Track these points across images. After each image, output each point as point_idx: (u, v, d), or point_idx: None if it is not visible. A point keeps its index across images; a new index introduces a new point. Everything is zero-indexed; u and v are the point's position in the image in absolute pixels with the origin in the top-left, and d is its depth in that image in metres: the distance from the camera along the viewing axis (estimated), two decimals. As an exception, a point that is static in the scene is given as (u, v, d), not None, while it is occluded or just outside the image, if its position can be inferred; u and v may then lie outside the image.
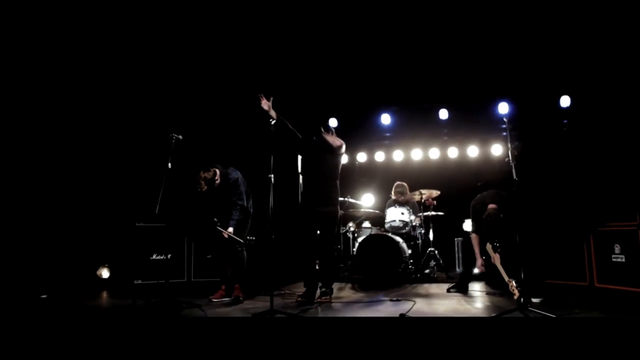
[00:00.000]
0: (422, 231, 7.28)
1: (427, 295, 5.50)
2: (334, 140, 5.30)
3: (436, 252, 7.20)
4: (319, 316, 3.96)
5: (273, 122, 4.27)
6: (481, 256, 5.42)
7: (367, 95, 9.14)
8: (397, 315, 4.05)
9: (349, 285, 6.50)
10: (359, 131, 9.70)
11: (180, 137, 4.99)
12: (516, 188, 4.20)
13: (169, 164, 4.81)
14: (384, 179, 8.61)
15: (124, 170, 7.27)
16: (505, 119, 4.31)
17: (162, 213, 4.57)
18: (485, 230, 5.32)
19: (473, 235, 5.56)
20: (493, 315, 3.98)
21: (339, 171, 5.35)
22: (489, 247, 5.17)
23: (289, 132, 5.24)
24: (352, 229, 7.56)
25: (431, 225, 7.38)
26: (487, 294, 5.51)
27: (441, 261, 7.12)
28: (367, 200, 8.39)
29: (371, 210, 7.53)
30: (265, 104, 5.10)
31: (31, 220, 6.61)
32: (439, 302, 5.01)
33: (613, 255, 5.47)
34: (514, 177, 4.20)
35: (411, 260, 7.04)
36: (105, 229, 7.03)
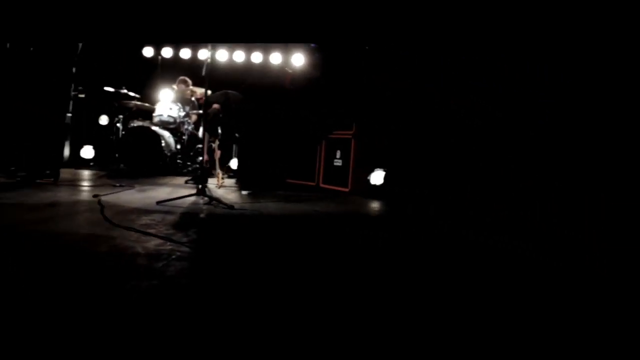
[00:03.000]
0: (191, 127, 7.49)
1: (162, 185, 5.81)
2: None
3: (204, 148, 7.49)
4: None
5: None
6: (207, 152, 5.80)
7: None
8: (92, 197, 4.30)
9: (107, 174, 6.62)
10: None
11: None
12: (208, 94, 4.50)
13: None
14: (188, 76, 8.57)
15: None
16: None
17: None
18: (210, 128, 5.68)
19: (204, 132, 5.89)
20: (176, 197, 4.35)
21: None
22: (215, 143, 5.54)
23: None
24: (141, 122, 7.49)
25: (202, 122, 7.60)
26: (219, 187, 5.93)
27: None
28: (165, 95, 8.36)
29: (145, 104, 7.54)
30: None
31: None
32: (161, 189, 5.34)
33: (335, 160, 6.16)
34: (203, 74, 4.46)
35: (179, 155, 7.30)
36: None
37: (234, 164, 7.52)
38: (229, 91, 5.81)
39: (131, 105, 7.42)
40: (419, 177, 5.49)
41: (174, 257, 2.46)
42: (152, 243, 2.72)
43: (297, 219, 3.99)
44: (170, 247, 2.67)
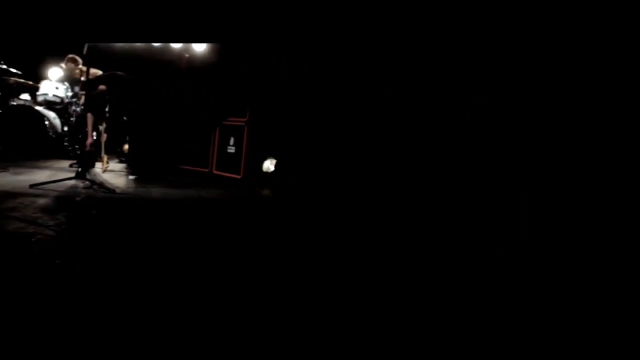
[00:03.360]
0: (80, 109, 7.15)
1: (43, 168, 5.54)
2: None
3: (88, 131, 7.20)
4: None
5: None
6: (92, 134, 5.62)
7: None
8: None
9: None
10: None
11: None
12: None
13: None
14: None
15: None
16: None
17: None
18: (96, 110, 5.49)
19: (88, 115, 5.69)
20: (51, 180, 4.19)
21: None
22: (102, 126, 5.37)
23: None
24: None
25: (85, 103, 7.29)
26: (104, 171, 5.75)
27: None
28: (52, 74, 7.88)
29: (28, 82, 7.08)
30: None
31: None
32: (40, 173, 5.09)
33: (228, 147, 6.18)
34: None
35: (66, 138, 6.95)
36: None
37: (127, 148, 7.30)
38: (117, 72, 5.61)
39: (11, 81, 6.93)
40: (308, 167, 5.66)
41: (33, 240, 2.42)
42: (13, 226, 2.64)
43: (177, 204, 4.00)
44: (32, 230, 2.60)
